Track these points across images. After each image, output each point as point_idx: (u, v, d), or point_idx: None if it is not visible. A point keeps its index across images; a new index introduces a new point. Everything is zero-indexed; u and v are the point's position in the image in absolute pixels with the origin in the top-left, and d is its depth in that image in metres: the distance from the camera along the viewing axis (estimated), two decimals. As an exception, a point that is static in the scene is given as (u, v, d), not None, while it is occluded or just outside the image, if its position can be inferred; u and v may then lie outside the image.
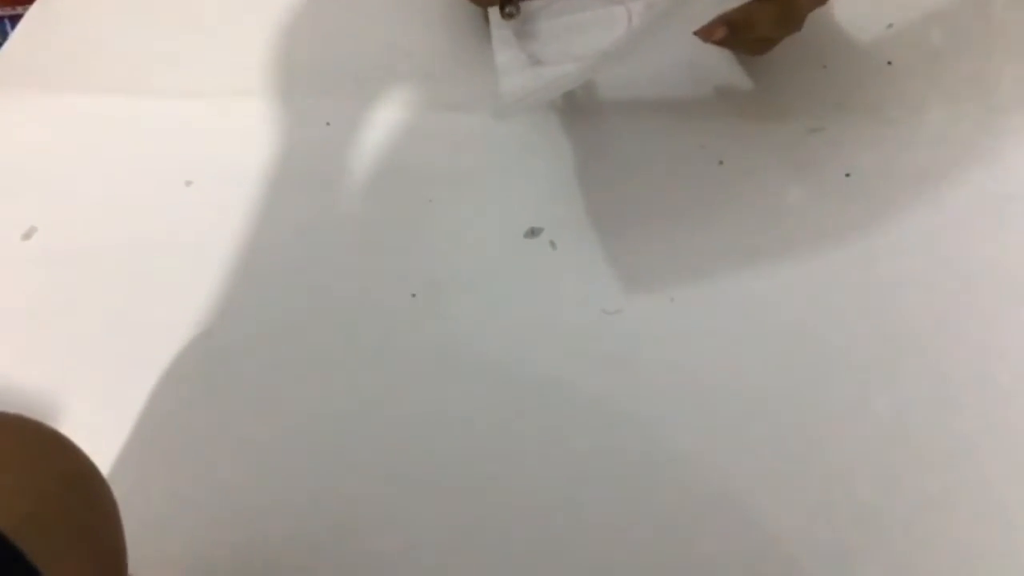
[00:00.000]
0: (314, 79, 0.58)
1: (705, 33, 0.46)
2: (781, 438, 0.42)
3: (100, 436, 0.44)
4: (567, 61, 0.48)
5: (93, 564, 0.32)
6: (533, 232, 0.50)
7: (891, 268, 0.46)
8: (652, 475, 0.42)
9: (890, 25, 0.54)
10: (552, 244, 0.49)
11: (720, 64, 0.54)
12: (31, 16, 0.66)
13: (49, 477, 0.31)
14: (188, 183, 0.54)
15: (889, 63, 0.52)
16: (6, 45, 0.65)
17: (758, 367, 0.44)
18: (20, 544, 0.27)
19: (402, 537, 0.42)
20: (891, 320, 0.44)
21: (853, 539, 0.39)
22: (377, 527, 0.42)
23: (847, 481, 0.41)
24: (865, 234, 0.47)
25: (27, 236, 0.53)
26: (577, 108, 0.54)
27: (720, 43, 0.48)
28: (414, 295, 0.48)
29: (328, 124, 0.56)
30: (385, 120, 0.55)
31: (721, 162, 0.51)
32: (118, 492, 0.35)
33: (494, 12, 0.51)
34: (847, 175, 0.49)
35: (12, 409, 0.33)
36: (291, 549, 0.42)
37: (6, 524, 0.27)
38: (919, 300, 0.45)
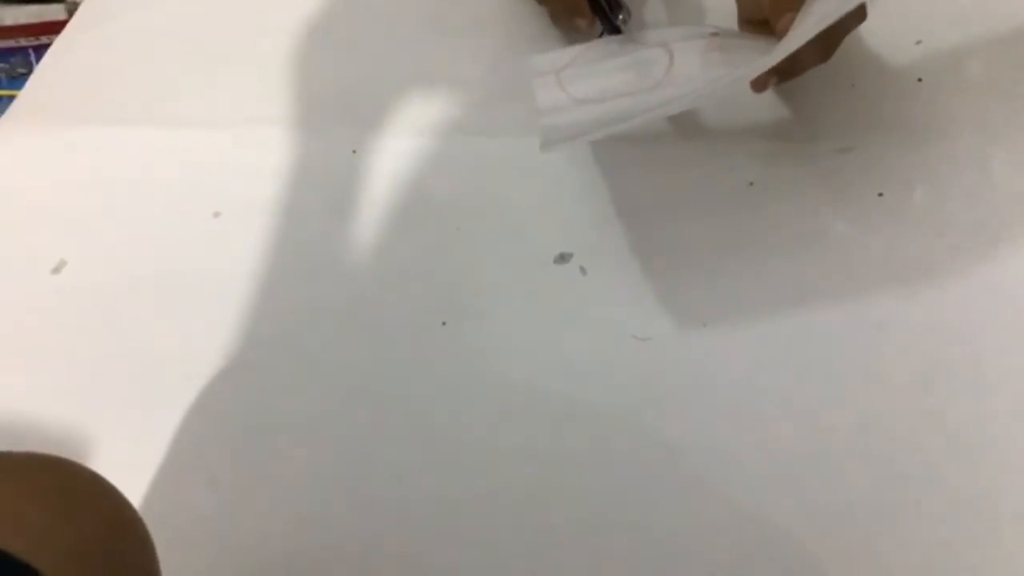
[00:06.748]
0: (339, 106, 0.58)
1: (758, 86, 0.47)
2: (815, 464, 0.41)
3: (131, 469, 0.44)
4: (608, 99, 0.48)
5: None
6: (563, 258, 0.49)
7: (927, 286, 0.45)
8: (682, 502, 0.41)
9: (919, 42, 0.53)
10: (582, 270, 0.49)
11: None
12: (55, 49, 0.67)
13: (90, 520, 0.31)
14: (216, 214, 0.54)
15: (920, 80, 0.52)
16: (31, 79, 0.65)
17: (790, 391, 0.43)
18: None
19: (432, 561, 0.41)
20: (927, 339, 0.44)
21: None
22: (409, 551, 0.42)
23: (885, 508, 0.40)
24: (899, 253, 0.46)
25: (57, 270, 0.53)
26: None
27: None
28: (444, 323, 0.48)
29: (354, 152, 0.56)
30: (411, 147, 0.55)
31: (751, 184, 0.50)
32: (150, 525, 0.35)
33: (538, 58, 0.51)
34: (880, 194, 0.48)
35: (41, 443, 0.33)
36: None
37: (48, 564, 0.27)
38: (957, 318, 0.44)
